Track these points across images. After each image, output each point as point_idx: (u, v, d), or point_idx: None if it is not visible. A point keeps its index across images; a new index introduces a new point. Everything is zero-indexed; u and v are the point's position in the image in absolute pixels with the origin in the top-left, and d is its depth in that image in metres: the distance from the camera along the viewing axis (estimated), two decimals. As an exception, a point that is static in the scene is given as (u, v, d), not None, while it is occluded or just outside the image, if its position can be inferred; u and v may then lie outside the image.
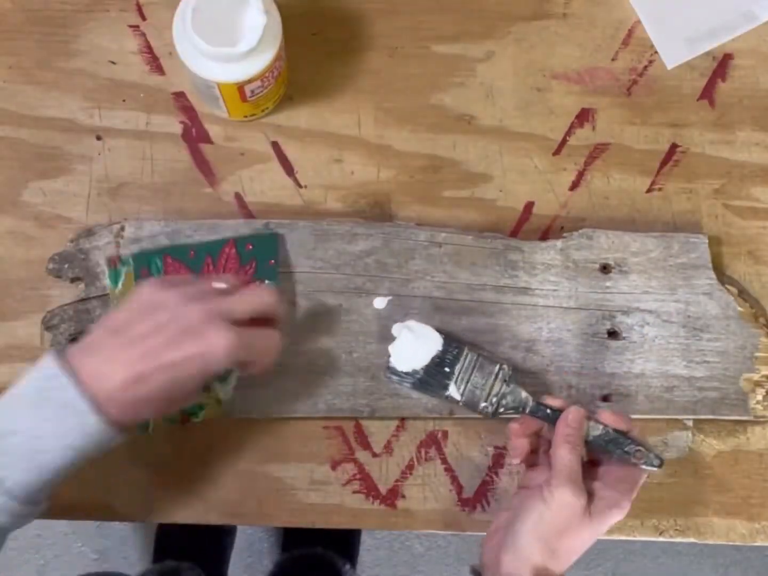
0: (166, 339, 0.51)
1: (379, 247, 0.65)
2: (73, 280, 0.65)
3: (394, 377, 0.62)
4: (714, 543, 0.66)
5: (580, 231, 0.66)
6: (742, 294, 0.67)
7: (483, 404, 0.61)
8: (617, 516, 0.55)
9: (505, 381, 0.61)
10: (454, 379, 0.62)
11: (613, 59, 0.72)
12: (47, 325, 0.64)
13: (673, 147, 0.70)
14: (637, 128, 0.70)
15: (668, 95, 0.71)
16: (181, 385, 0.52)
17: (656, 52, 0.71)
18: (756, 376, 0.65)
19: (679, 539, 0.65)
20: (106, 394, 0.50)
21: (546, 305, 0.65)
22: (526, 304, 0.65)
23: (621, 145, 0.70)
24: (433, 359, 0.62)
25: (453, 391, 0.61)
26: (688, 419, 0.66)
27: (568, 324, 0.65)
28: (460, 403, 0.62)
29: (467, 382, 0.62)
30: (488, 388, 0.61)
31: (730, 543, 0.66)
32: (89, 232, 0.65)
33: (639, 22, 0.72)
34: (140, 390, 0.50)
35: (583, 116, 0.70)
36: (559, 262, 0.66)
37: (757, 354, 0.65)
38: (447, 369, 0.62)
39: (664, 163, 0.70)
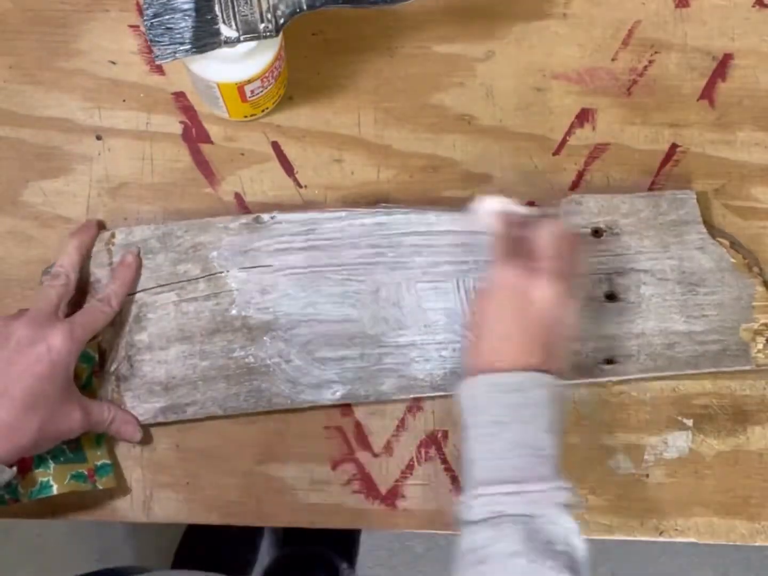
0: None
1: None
2: None
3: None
4: (714, 543, 0.66)
5: (569, 197, 0.67)
6: (734, 245, 0.67)
7: (262, 25, 0.58)
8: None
9: None
10: (221, 19, 0.58)
11: (613, 59, 0.71)
12: None
13: (673, 147, 0.70)
14: (637, 128, 0.70)
15: (668, 95, 0.71)
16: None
17: (656, 52, 0.71)
18: (755, 326, 0.65)
19: (679, 539, 0.65)
20: None
21: None
22: None
23: (621, 145, 0.70)
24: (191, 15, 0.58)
25: (227, 31, 0.58)
26: (694, 373, 0.66)
27: None
28: (241, 39, 0.58)
29: (234, 16, 0.58)
30: (257, 7, 0.58)
31: (730, 543, 0.66)
32: None
33: (639, 21, 0.72)
34: None
35: (583, 116, 0.70)
36: None
37: (754, 303, 0.66)
38: (209, 16, 0.58)
39: (664, 163, 0.70)
